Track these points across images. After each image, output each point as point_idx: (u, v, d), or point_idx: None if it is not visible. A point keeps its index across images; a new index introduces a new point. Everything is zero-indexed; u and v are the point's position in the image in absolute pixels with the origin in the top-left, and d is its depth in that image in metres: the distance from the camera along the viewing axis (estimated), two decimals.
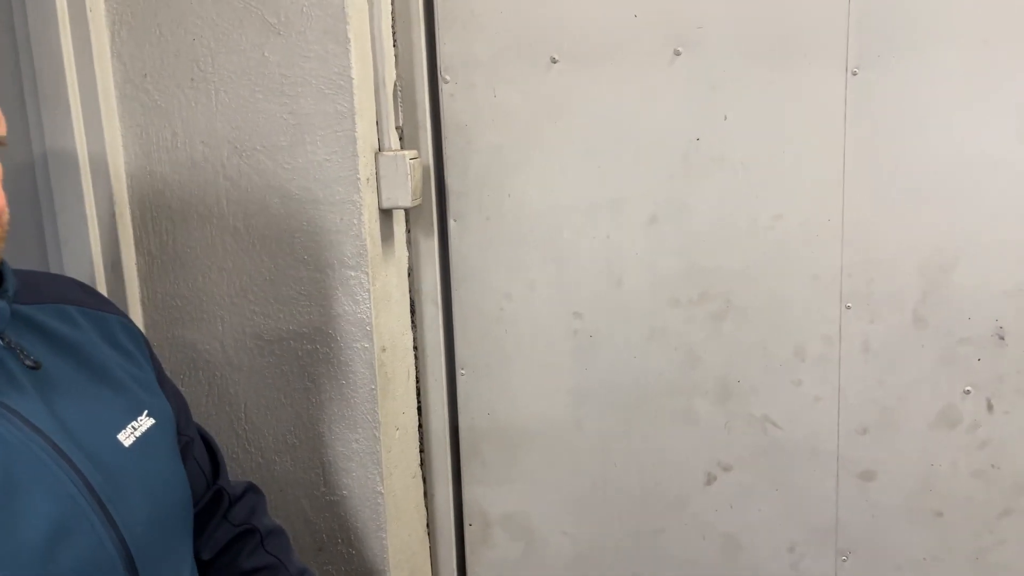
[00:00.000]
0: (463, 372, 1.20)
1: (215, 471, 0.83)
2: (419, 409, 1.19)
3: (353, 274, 0.98)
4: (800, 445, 1.15)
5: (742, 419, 1.16)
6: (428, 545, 1.23)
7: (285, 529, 0.86)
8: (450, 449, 1.22)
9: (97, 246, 0.99)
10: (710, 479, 1.18)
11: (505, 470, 1.22)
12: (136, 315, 1.03)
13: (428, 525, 1.23)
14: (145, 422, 0.68)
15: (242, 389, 1.04)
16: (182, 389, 0.93)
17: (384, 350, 1.04)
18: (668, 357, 1.16)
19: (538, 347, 1.18)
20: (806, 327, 1.12)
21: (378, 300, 1.01)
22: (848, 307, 1.11)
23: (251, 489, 0.87)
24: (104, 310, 0.72)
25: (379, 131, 1.02)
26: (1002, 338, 1.08)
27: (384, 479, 1.04)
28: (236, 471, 1.04)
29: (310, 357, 1.02)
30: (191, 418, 0.83)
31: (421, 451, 1.20)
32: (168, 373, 0.84)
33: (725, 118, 1.08)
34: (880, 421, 1.13)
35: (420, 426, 1.20)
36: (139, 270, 1.02)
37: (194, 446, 0.80)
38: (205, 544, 0.81)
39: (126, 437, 0.65)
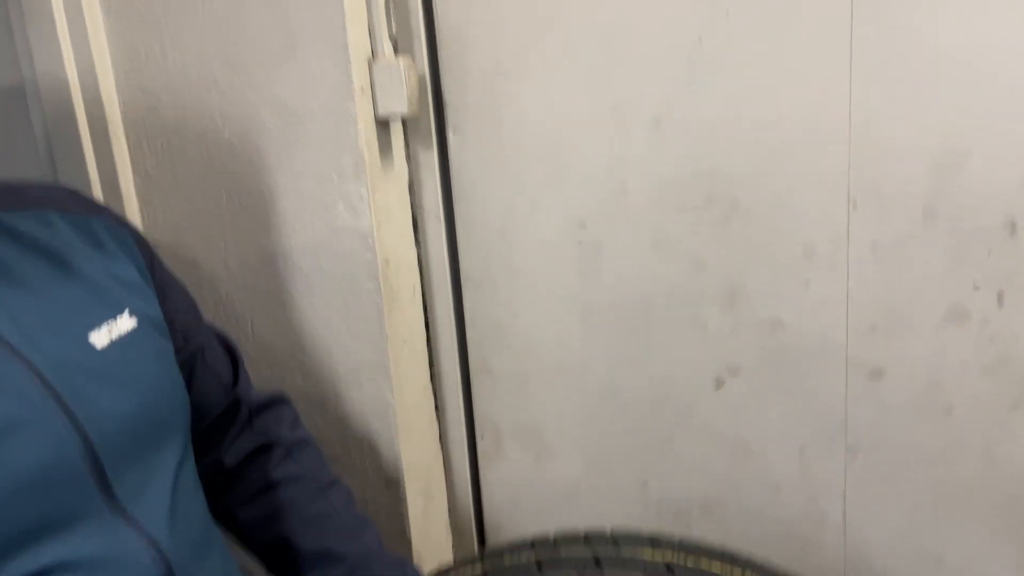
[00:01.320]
0: (468, 286, 1.19)
1: (234, 379, 0.82)
2: (427, 325, 1.20)
3: (352, 186, 0.97)
4: (808, 346, 1.14)
5: (750, 323, 1.15)
6: (441, 458, 1.25)
7: (315, 441, 0.87)
8: (459, 363, 1.22)
9: (93, 167, 0.98)
10: (719, 384, 1.18)
11: (514, 383, 1.22)
12: None
13: (441, 438, 1.25)
14: (125, 323, 0.66)
15: (248, 307, 1.04)
16: None
17: (388, 263, 1.03)
18: (674, 264, 1.15)
19: (543, 259, 1.17)
20: (813, 227, 1.11)
21: (379, 213, 1.00)
22: (855, 205, 1.09)
23: (279, 399, 0.86)
24: (89, 213, 0.71)
25: (372, 39, 1.00)
26: (1013, 231, 1.06)
27: (394, 391, 1.04)
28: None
29: (315, 273, 1.01)
30: (203, 323, 0.81)
31: (431, 366, 1.21)
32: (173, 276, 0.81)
33: (727, 13, 1.05)
34: (889, 319, 1.12)
35: (428, 341, 1.20)
36: (137, 191, 1.01)
37: (208, 353, 0.79)
38: (227, 451, 0.81)
39: (99, 338, 0.63)
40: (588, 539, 0.70)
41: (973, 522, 1.15)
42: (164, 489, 0.65)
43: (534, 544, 0.70)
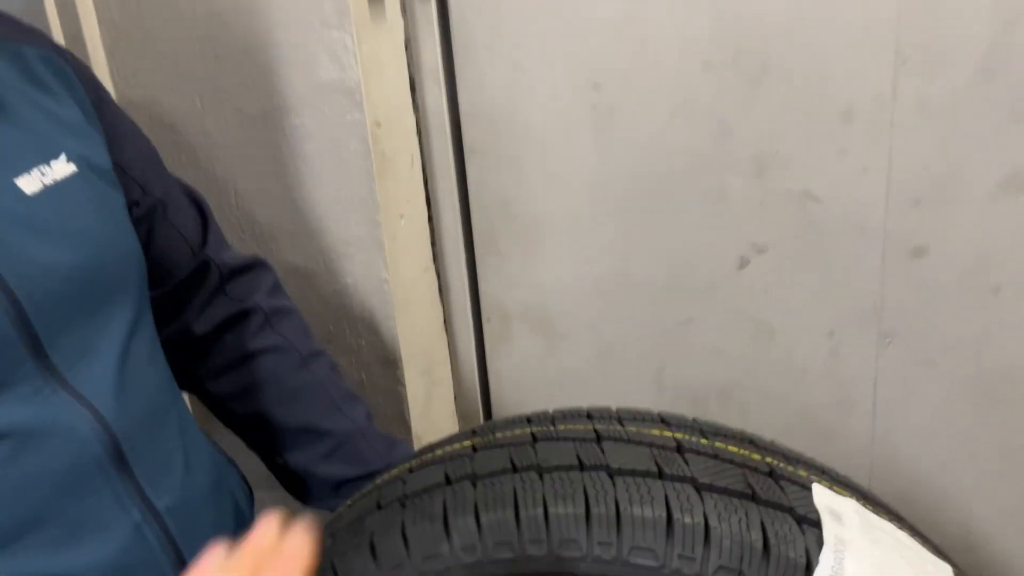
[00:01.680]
0: (472, 157, 1.10)
1: (203, 238, 0.74)
2: (428, 200, 1.11)
3: (336, 35, 0.87)
4: (843, 221, 1.04)
5: (779, 195, 1.05)
6: (446, 340, 1.18)
7: (297, 309, 0.80)
8: (463, 241, 1.14)
9: (54, 16, 0.89)
10: (742, 263, 1.09)
11: (522, 262, 1.14)
12: None
13: (445, 321, 1.18)
14: (61, 168, 0.58)
15: (229, 171, 0.96)
16: None
17: (379, 125, 0.94)
18: (697, 130, 1.04)
19: (553, 126, 1.07)
20: (854, 86, 0.99)
21: (367, 66, 0.90)
22: (904, 61, 0.97)
23: (258, 264, 0.78)
24: (18, 39, 0.61)
25: None
26: None
27: (389, 266, 0.97)
28: None
29: (298, 133, 0.93)
30: (165, 174, 0.73)
31: (433, 244, 1.13)
32: (124, 118, 0.72)
33: None
34: (935, 190, 1.01)
35: (431, 218, 1.12)
36: (103, 42, 0.92)
37: (171, 208, 0.71)
38: (197, 318, 0.74)
39: (29, 183, 0.56)
40: (590, 415, 0.62)
41: (1014, 414, 1.07)
42: (110, 356, 0.58)
43: (531, 420, 0.62)
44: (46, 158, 0.57)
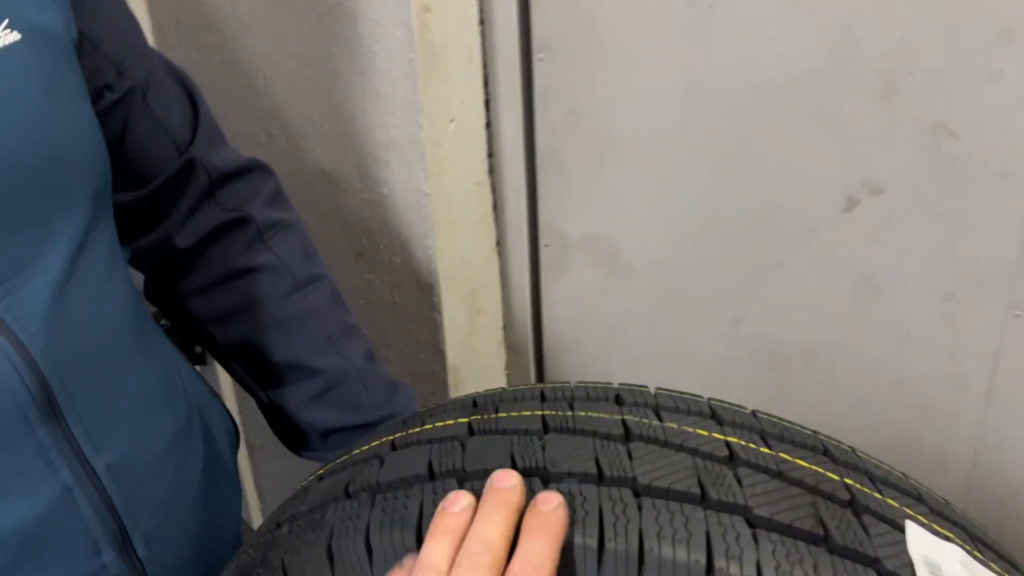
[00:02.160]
0: (541, 56, 0.95)
1: (191, 133, 0.62)
2: (487, 104, 0.97)
3: None
4: (983, 163, 0.85)
5: (908, 125, 0.86)
6: (497, 265, 1.06)
7: (300, 224, 0.68)
8: (524, 154, 1.00)
9: None
10: (851, 204, 0.92)
11: (589, 183, 1.00)
12: None
13: (498, 244, 1.05)
14: (0, 36, 0.46)
15: (259, 57, 0.84)
16: (189, 56, 0.73)
17: (428, 9, 0.80)
18: (815, 37, 0.85)
19: (639, 23, 0.90)
20: None
21: None
22: None
23: (256, 168, 0.66)
24: None
25: None
26: None
27: (430, 178, 0.84)
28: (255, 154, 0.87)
29: (333, 14, 0.79)
30: (146, 52, 0.59)
31: (490, 156, 0.99)
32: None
33: None
34: None
35: (488, 125, 0.98)
36: None
37: (152, 94, 0.59)
38: (179, 228, 0.62)
39: None
40: (620, 399, 0.48)
41: None
42: (47, 277, 0.47)
43: (545, 396, 0.48)
44: None
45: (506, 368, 1.11)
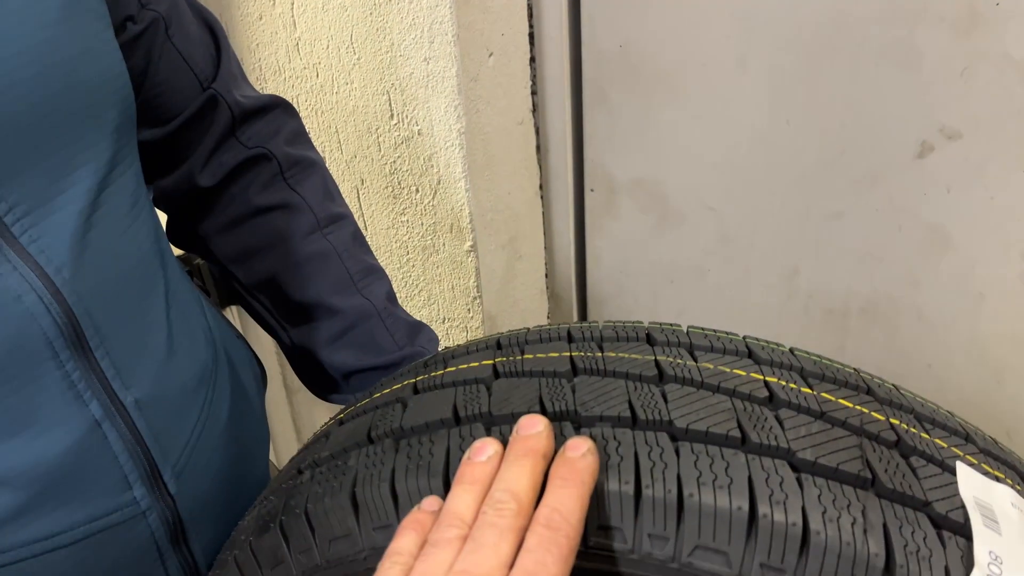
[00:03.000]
0: None
1: (215, 70, 0.60)
2: (531, 37, 0.91)
3: None
4: None
5: (991, 63, 0.78)
6: (541, 209, 1.01)
7: (322, 163, 0.66)
8: (570, 92, 0.95)
9: None
10: (924, 150, 0.84)
11: (638, 123, 0.94)
12: None
13: (541, 186, 1.01)
14: None
15: None
16: None
17: None
18: None
19: None
20: None
21: None
22: None
23: (278, 106, 0.64)
24: None
25: None
26: None
27: (466, 115, 0.80)
28: (286, 91, 0.84)
29: None
30: None
31: (533, 93, 0.94)
32: None
33: None
34: None
35: (532, 59, 0.92)
36: None
37: (175, 28, 0.58)
38: (202, 167, 0.61)
39: None
40: (651, 338, 0.46)
41: None
42: (73, 207, 0.46)
43: (572, 337, 0.46)
44: None
45: (548, 316, 1.08)
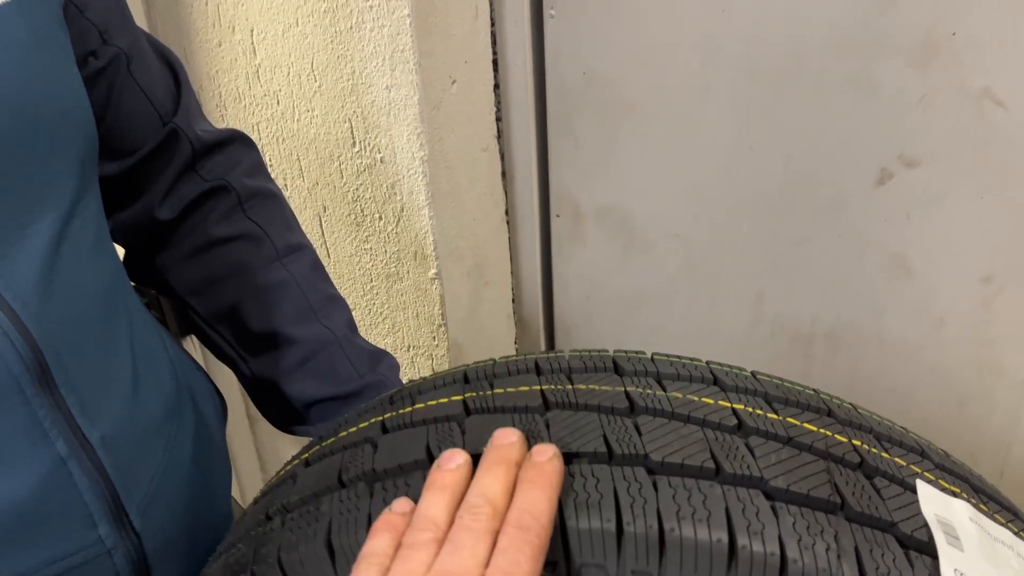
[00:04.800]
0: (553, 13, 0.89)
1: (174, 105, 0.60)
2: (495, 64, 0.91)
3: None
4: None
5: (948, 93, 0.79)
6: (507, 235, 1.01)
7: (281, 194, 0.65)
8: (535, 119, 0.95)
9: None
10: (884, 177, 0.85)
11: (603, 150, 0.94)
12: None
13: (507, 212, 1.00)
14: None
15: (249, 10, 0.79)
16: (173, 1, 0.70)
17: None
18: None
19: None
20: None
21: None
22: None
23: (237, 139, 0.64)
24: None
25: None
26: None
27: (428, 143, 0.80)
28: (246, 117, 0.83)
29: None
30: (131, 24, 0.59)
31: (498, 120, 0.94)
32: None
33: None
34: None
35: (496, 86, 0.92)
36: None
37: (137, 64, 0.58)
38: (162, 200, 0.61)
39: None
40: (618, 367, 0.46)
41: None
42: (40, 242, 0.45)
43: (540, 368, 0.45)
44: None
45: (515, 343, 1.07)
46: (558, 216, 1.00)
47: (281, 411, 0.64)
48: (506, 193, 0.98)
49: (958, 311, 0.88)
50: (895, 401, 0.95)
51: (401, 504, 0.36)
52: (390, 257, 0.87)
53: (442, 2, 0.78)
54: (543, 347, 1.09)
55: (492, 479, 0.35)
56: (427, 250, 0.85)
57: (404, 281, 0.88)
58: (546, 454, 0.35)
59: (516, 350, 1.08)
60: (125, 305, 0.54)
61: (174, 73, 0.61)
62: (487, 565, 0.32)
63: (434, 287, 0.87)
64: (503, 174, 0.97)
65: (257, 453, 1.08)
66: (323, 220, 0.87)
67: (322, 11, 0.76)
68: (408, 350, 0.92)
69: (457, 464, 0.36)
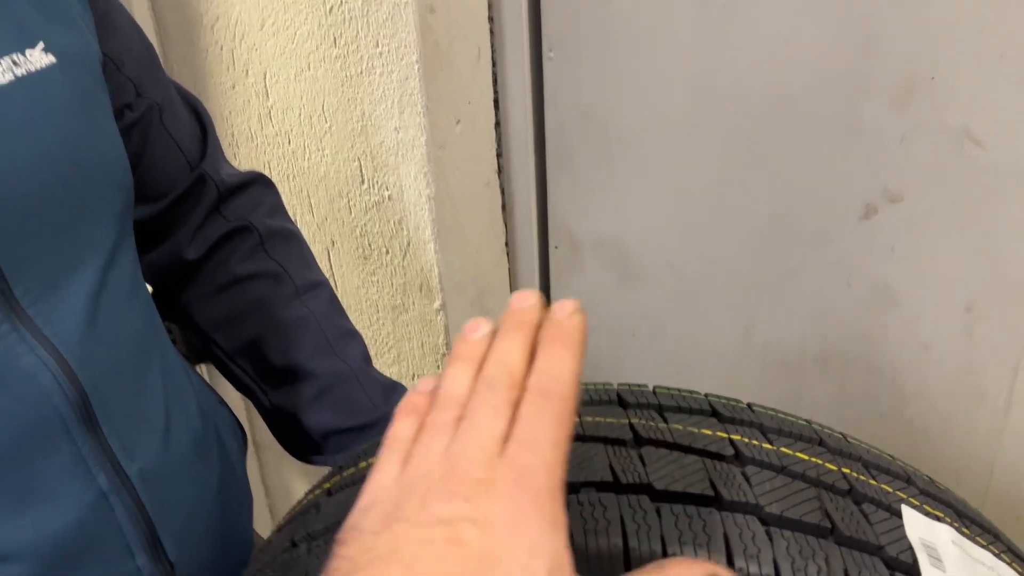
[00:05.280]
0: (551, 55, 0.92)
1: (201, 151, 0.64)
2: (496, 103, 0.95)
3: None
4: (1008, 172, 0.82)
5: (929, 131, 0.83)
6: (507, 266, 1.04)
7: (300, 234, 0.69)
8: (534, 154, 0.98)
9: None
10: (869, 212, 0.89)
11: (600, 183, 0.98)
12: None
13: (507, 245, 1.04)
14: (37, 58, 0.47)
15: (263, 56, 0.83)
16: (191, 55, 0.73)
17: (432, 11, 0.78)
18: (835, 39, 0.83)
19: (651, 20, 0.88)
20: None
21: None
22: None
23: (258, 181, 0.68)
24: None
25: None
26: None
27: (435, 181, 0.83)
28: (258, 156, 0.86)
29: (340, 10, 0.78)
30: (162, 76, 0.63)
31: (499, 155, 0.97)
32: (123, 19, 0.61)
33: None
34: None
35: (497, 124, 0.96)
36: None
37: (168, 115, 0.61)
38: (189, 241, 0.64)
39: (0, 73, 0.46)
40: (623, 400, 0.49)
41: None
42: (83, 288, 0.49)
43: None
44: (20, 46, 0.47)
45: None
46: (556, 247, 1.03)
47: (299, 441, 0.66)
48: (506, 226, 1.02)
49: (941, 338, 0.92)
50: (881, 425, 0.99)
51: (425, 383, 0.34)
52: (396, 289, 0.90)
53: (447, 47, 0.82)
54: None
55: (510, 344, 0.32)
56: (432, 282, 0.88)
57: (409, 312, 0.90)
58: (566, 310, 0.32)
59: None
60: (157, 344, 0.57)
61: (200, 120, 0.64)
62: (508, 438, 0.30)
63: (439, 318, 0.90)
64: (504, 208, 1.00)
65: (262, 480, 1.10)
66: (332, 254, 0.90)
67: (333, 56, 0.79)
68: (413, 379, 0.95)
69: (482, 334, 0.33)
